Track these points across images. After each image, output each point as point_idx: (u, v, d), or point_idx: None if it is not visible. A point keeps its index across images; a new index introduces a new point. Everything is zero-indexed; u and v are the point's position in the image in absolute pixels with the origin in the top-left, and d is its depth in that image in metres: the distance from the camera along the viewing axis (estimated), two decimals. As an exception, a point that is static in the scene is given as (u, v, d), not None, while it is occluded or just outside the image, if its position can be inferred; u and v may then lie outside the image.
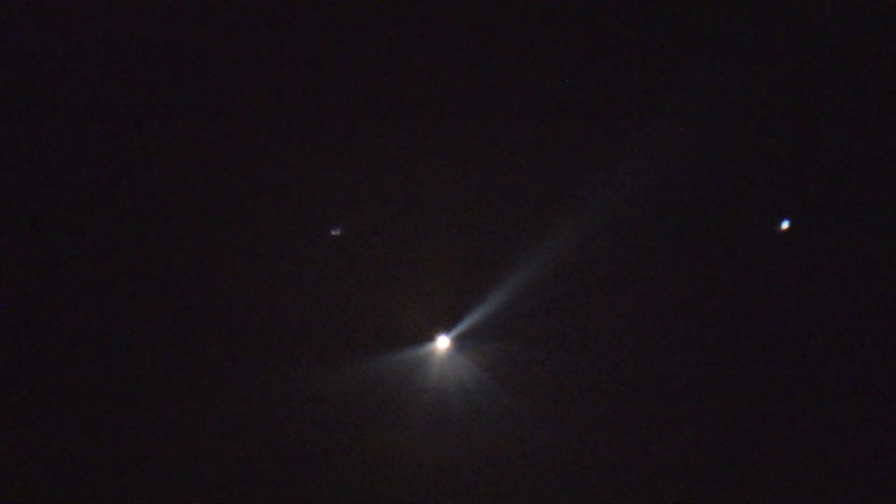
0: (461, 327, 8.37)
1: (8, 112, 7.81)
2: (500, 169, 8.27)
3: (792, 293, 8.43)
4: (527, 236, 8.29)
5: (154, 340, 8.20)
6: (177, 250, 8.10)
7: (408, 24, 7.92)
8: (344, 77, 8.04)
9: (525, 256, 8.28)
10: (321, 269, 8.24)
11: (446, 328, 8.40)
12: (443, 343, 8.41)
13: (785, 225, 8.26)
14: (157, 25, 7.80)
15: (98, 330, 8.09)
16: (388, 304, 8.33)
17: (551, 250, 8.27)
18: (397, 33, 7.93)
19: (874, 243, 8.30)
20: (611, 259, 8.40)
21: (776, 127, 8.23)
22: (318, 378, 8.23)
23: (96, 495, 7.95)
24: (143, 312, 8.14)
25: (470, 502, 8.27)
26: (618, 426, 8.41)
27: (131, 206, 8.00)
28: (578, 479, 8.31)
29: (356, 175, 8.18)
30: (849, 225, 8.31)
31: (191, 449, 8.13)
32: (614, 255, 8.39)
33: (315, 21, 7.89)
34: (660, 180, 8.19)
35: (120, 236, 8.04)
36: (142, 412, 8.07)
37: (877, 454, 8.26)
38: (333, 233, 8.16)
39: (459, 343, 8.41)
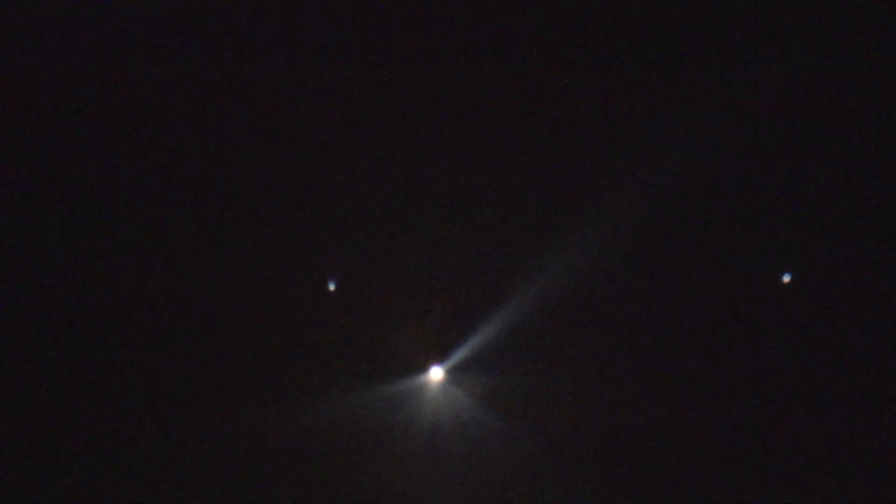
0: (455, 358, 8.29)
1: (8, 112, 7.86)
2: (492, 201, 8.23)
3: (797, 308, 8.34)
4: (521, 267, 8.23)
5: (143, 373, 8.17)
6: (158, 276, 8.09)
7: (412, 25, 7.90)
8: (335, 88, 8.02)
9: (519, 287, 8.21)
10: (313, 299, 8.19)
11: (440, 359, 8.32)
12: (436, 374, 8.33)
13: (786, 279, 8.21)
14: (156, 25, 7.83)
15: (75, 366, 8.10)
16: (382, 335, 8.27)
17: (546, 281, 8.20)
18: (400, 33, 7.90)
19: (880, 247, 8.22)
20: (605, 290, 8.33)
21: (787, 132, 8.15)
22: (309, 409, 8.15)
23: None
24: (115, 337, 8.12)
25: (464, 537, 8.17)
26: (614, 457, 8.29)
27: (121, 222, 8.01)
28: (575, 513, 8.20)
29: (349, 205, 8.16)
30: (855, 227, 8.21)
31: (182, 480, 8.07)
32: (609, 285, 8.31)
33: (315, 21, 7.88)
34: (652, 210, 8.14)
35: (107, 255, 8.05)
36: (129, 445, 8.03)
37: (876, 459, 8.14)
38: (331, 287, 8.15)
39: (453, 374, 8.32)
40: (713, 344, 8.31)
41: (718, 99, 7.97)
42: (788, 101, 8.07)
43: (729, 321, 8.33)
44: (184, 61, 7.85)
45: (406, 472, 8.21)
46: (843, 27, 7.94)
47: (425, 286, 8.26)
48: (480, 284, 8.28)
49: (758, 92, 7.98)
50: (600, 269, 8.21)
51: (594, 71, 8.04)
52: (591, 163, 8.14)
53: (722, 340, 8.28)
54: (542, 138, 8.13)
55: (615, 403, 8.31)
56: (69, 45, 7.82)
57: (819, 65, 7.98)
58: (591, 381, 8.32)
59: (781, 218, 8.25)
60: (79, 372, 8.07)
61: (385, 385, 8.25)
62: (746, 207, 8.26)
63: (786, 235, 8.27)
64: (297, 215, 8.16)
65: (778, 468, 8.18)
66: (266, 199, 8.13)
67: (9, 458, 7.93)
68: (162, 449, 8.09)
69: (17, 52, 7.81)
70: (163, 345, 8.15)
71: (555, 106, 8.14)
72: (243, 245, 8.17)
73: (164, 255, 8.12)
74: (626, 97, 8.09)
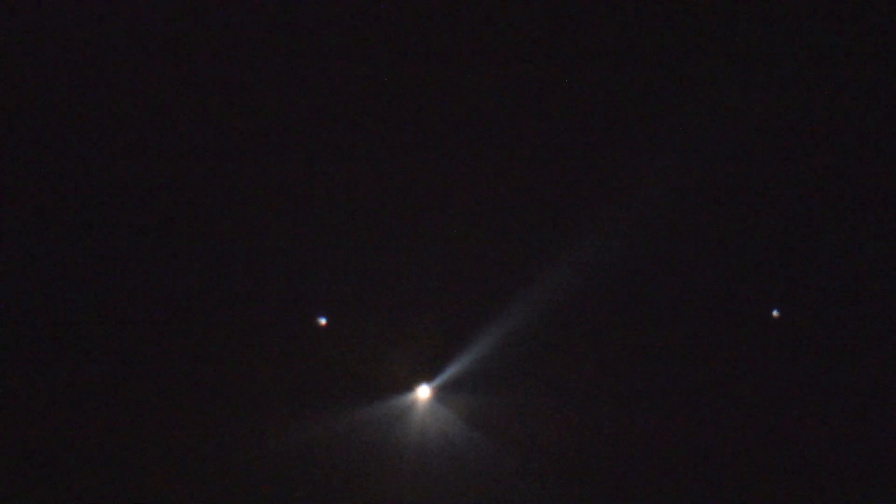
0: (443, 377, 8.32)
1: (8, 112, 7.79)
2: (484, 216, 8.34)
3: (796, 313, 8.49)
4: (508, 285, 8.33)
5: (134, 389, 8.04)
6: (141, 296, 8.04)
7: (413, 26, 7.98)
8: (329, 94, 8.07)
9: (506, 306, 8.31)
10: (300, 318, 8.18)
11: (428, 377, 8.34)
12: (424, 392, 8.34)
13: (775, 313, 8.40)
14: (156, 25, 7.84)
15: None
16: (369, 354, 8.27)
17: (532, 301, 8.31)
18: (401, 34, 7.97)
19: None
20: (594, 308, 8.44)
21: (790, 134, 8.34)
22: (297, 428, 8.07)
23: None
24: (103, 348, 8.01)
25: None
26: (601, 475, 8.32)
27: (118, 227, 7.95)
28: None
29: (338, 227, 8.21)
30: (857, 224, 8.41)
31: (164, 493, 7.89)
32: (597, 304, 8.43)
33: (315, 21, 7.94)
34: (649, 224, 8.27)
35: (104, 262, 7.97)
36: (128, 462, 7.87)
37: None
38: (321, 321, 8.19)
39: (441, 392, 8.34)
40: (704, 362, 8.43)
41: (719, 100, 8.09)
42: (788, 102, 8.24)
43: (720, 349, 8.48)
44: (183, 61, 7.88)
45: (394, 489, 8.14)
46: (842, 27, 8.18)
47: (413, 305, 8.31)
48: (468, 303, 8.36)
49: (759, 93, 8.13)
50: (587, 288, 8.33)
51: (593, 72, 8.18)
52: (579, 175, 8.29)
53: (713, 366, 8.40)
54: (531, 154, 8.28)
55: (602, 422, 8.37)
56: (69, 45, 7.82)
57: (818, 65, 8.20)
58: (578, 399, 8.39)
59: (780, 218, 8.45)
60: (71, 383, 7.92)
61: (373, 403, 8.23)
62: (746, 209, 8.43)
63: (785, 234, 8.47)
64: (285, 236, 8.18)
65: (773, 472, 8.27)
66: (256, 218, 8.15)
67: (9, 459, 7.69)
68: (153, 465, 7.91)
69: (17, 52, 7.79)
70: (147, 364, 8.05)
71: (548, 111, 8.27)
72: (233, 267, 8.14)
73: (155, 277, 8.06)
74: (625, 99, 8.22)
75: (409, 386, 8.33)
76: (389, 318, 8.30)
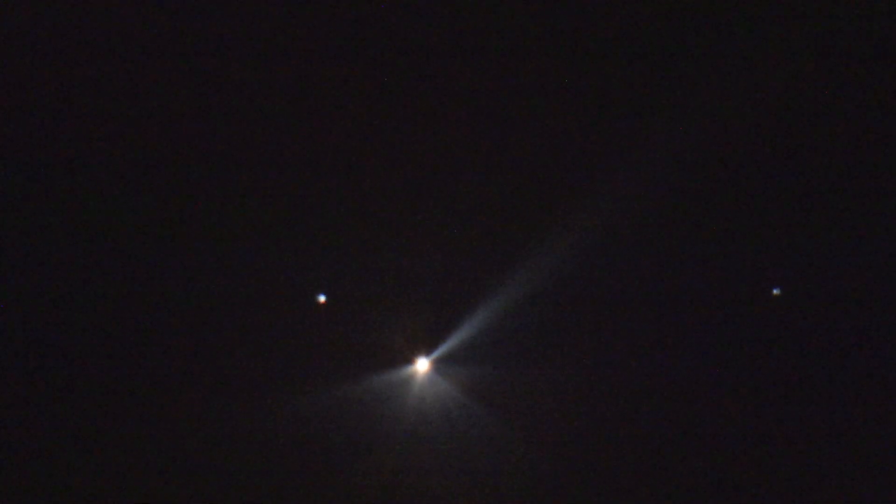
0: (441, 349, 8.35)
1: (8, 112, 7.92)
2: (481, 192, 8.32)
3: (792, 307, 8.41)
4: (507, 258, 8.32)
5: (131, 367, 8.20)
6: (147, 280, 8.16)
7: (408, 24, 7.97)
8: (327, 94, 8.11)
9: (506, 279, 8.30)
10: (299, 291, 8.25)
11: (426, 350, 8.38)
12: (422, 365, 8.38)
13: (775, 291, 8.31)
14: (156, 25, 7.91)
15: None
16: (367, 327, 8.33)
17: (532, 272, 8.29)
18: (396, 33, 7.98)
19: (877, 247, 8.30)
20: (592, 280, 8.40)
21: (780, 132, 8.23)
22: (294, 401, 8.18)
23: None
24: (111, 338, 8.17)
25: (450, 527, 8.17)
26: (600, 448, 8.32)
27: (117, 224, 8.08)
28: (560, 500, 8.19)
29: (338, 198, 8.24)
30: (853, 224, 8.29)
31: (167, 475, 8.07)
32: (596, 276, 8.39)
33: (315, 21, 7.96)
34: (645, 202, 8.22)
35: (105, 254, 8.11)
36: (125, 430, 8.06)
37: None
38: (321, 298, 8.24)
39: (439, 365, 8.37)
40: (702, 335, 8.38)
41: (713, 97, 8.04)
42: (785, 101, 8.15)
43: (721, 315, 8.41)
44: (183, 61, 7.95)
45: (393, 462, 8.23)
46: (841, 27, 8.04)
47: (411, 278, 8.33)
48: (466, 276, 8.36)
49: (754, 91, 8.06)
50: (587, 260, 8.29)
51: (589, 69, 8.13)
52: (584, 155, 8.24)
53: (710, 333, 8.35)
54: (533, 130, 8.23)
55: (602, 393, 8.36)
56: (69, 45, 7.91)
57: (817, 65, 8.08)
58: (577, 371, 8.38)
59: (778, 216, 8.35)
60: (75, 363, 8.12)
61: (371, 377, 8.29)
62: (742, 204, 8.35)
63: (783, 234, 8.37)
64: (284, 213, 8.24)
65: (774, 469, 8.23)
66: (255, 198, 8.20)
67: (9, 458, 7.93)
68: (148, 443, 8.09)
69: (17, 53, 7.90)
70: (150, 342, 8.19)
71: (548, 102, 8.23)
72: (231, 244, 8.22)
73: (154, 253, 8.17)
74: (622, 94, 8.17)
75: (408, 359, 8.37)
76: (387, 291, 8.34)
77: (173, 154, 8.03)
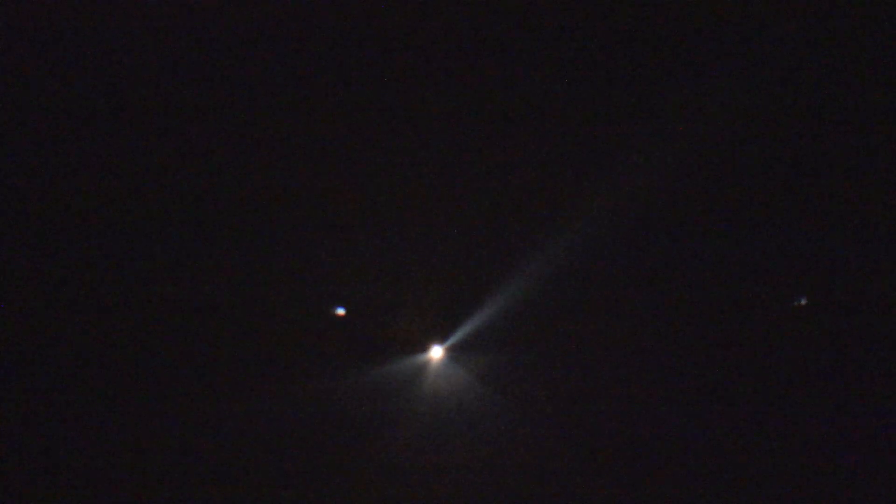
0: (455, 337, 8.46)
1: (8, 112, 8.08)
2: (493, 179, 8.36)
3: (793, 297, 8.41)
4: (520, 246, 8.37)
5: (146, 352, 8.40)
6: (169, 263, 8.33)
7: (408, 25, 8.03)
8: (338, 83, 8.16)
9: (518, 266, 8.37)
10: (315, 279, 8.41)
11: (440, 338, 8.50)
12: (436, 353, 8.51)
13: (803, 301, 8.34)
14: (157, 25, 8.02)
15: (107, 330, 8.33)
16: (382, 315, 8.46)
17: (545, 260, 8.34)
18: (398, 34, 8.03)
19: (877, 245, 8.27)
20: (605, 268, 8.44)
21: (780, 132, 8.22)
22: (310, 389, 8.35)
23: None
24: (137, 318, 8.37)
25: (465, 511, 8.32)
26: (613, 434, 8.40)
27: (134, 208, 8.24)
28: (573, 488, 8.29)
29: (350, 186, 8.33)
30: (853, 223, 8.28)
31: (184, 458, 8.29)
32: (608, 264, 8.42)
33: (315, 21, 8.04)
34: (657, 187, 8.19)
35: (124, 238, 8.29)
36: (137, 416, 8.28)
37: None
38: (339, 311, 8.40)
39: (453, 353, 8.50)
40: (714, 323, 8.41)
41: (713, 98, 8.02)
42: (784, 101, 8.12)
43: (730, 302, 8.44)
44: (184, 61, 8.06)
45: (407, 449, 8.38)
46: (840, 27, 8.00)
47: (425, 267, 8.44)
48: (480, 265, 8.44)
49: (753, 91, 8.03)
50: (600, 248, 8.33)
51: (592, 68, 8.16)
52: (597, 145, 8.24)
53: (723, 299, 8.38)
54: (549, 121, 8.25)
55: (614, 380, 8.43)
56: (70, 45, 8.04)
57: (815, 65, 8.07)
58: (589, 358, 8.45)
59: (777, 215, 8.36)
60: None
61: (386, 364, 8.45)
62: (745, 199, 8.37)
63: (781, 233, 8.38)
64: (298, 202, 8.34)
65: (773, 467, 8.26)
66: (270, 190, 8.30)
67: (8, 458, 8.19)
68: (171, 428, 8.32)
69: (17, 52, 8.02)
70: (166, 322, 8.39)
71: (555, 100, 8.27)
72: (248, 232, 8.35)
73: (172, 242, 8.34)
74: (628, 92, 8.19)
75: (422, 347, 8.51)
76: (402, 280, 8.46)
77: (184, 153, 8.17)
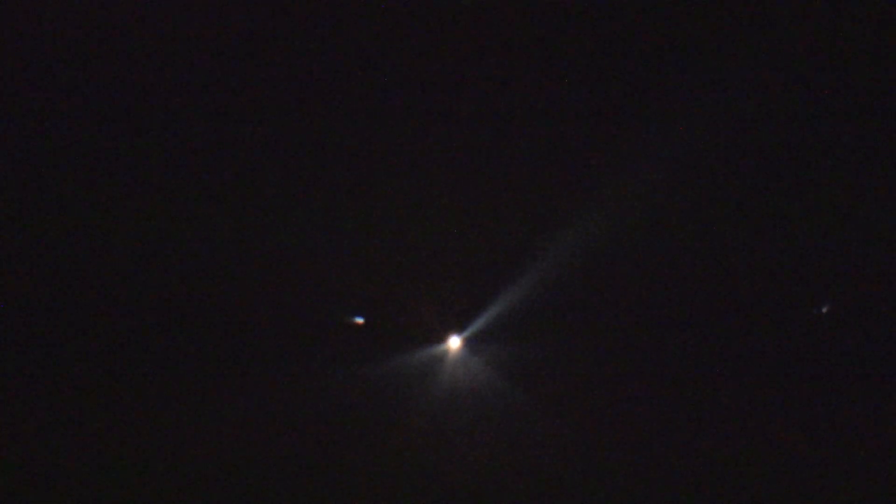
0: (473, 328, 8.43)
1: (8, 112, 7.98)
2: (511, 170, 8.34)
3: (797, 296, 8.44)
4: (539, 237, 8.35)
5: (156, 344, 8.33)
6: (182, 251, 8.25)
7: (412, 25, 8.01)
8: (372, 72, 8.11)
9: (536, 257, 8.34)
10: (333, 269, 8.34)
11: (458, 329, 8.46)
12: (454, 343, 8.47)
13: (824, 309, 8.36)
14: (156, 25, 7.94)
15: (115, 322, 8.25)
16: (400, 306, 8.42)
17: (563, 251, 8.32)
18: (403, 34, 8.02)
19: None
20: (623, 259, 8.43)
21: (783, 129, 8.25)
22: (328, 379, 8.30)
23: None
24: (148, 311, 8.28)
25: (480, 503, 8.27)
26: (630, 426, 8.39)
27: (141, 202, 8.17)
28: (590, 478, 8.28)
29: (368, 178, 8.29)
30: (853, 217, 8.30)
31: (201, 448, 8.22)
32: (627, 255, 8.41)
33: (314, 21, 8.00)
34: (674, 177, 8.21)
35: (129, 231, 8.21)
36: (145, 410, 8.22)
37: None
38: (357, 320, 8.35)
39: (471, 344, 8.46)
40: (729, 303, 8.42)
41: (715, 97, 8.05)
42: (783, 100, 8.15)
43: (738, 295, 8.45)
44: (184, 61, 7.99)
45: (424, 439, 8.34)
46: (839, 26, 8.03)
47: (443, 258, 8.40)
48: (498, 256, 8.41)
49: (754, 90, 8.07)
50: (616, 239, 8.31)
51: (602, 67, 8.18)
52: (608, 135, 8.23)
53: (737, 291, 8.39)
54: (564, 116, 8.24)
55: (631, 371, 8.42)
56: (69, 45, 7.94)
57: (814, 64, 8.08)
58: (607, 349, 8.43)
59: (777, 214, 8.37)
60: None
61: (404, 355, 8.40)
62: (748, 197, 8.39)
63: (781, 232, 8.39)
64: (319, 193, 8.30)
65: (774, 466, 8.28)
66: (289, 182, 8.26)
67: (9, 458, 8.10)
68: (182, 421, 8.25)
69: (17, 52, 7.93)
70: (179, 311, 8.32)
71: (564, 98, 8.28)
72: (269, 221, 8.31)
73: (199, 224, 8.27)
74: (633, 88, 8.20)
75: (440, 337, 8.46)
76: (420, 270, 8.41)
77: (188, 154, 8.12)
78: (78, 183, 8.11)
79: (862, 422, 8.28)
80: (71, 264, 8.20)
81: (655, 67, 8.09)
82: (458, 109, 8.18)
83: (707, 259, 8.43)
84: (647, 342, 8.43)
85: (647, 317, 8.48)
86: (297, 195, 8.25)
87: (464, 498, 8.25)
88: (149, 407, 8.22)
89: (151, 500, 8.03)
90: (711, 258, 8.43)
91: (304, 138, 8.14)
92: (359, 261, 8.37)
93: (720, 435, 8.33)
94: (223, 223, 8.24)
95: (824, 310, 8.28)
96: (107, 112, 8.02)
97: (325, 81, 8.04)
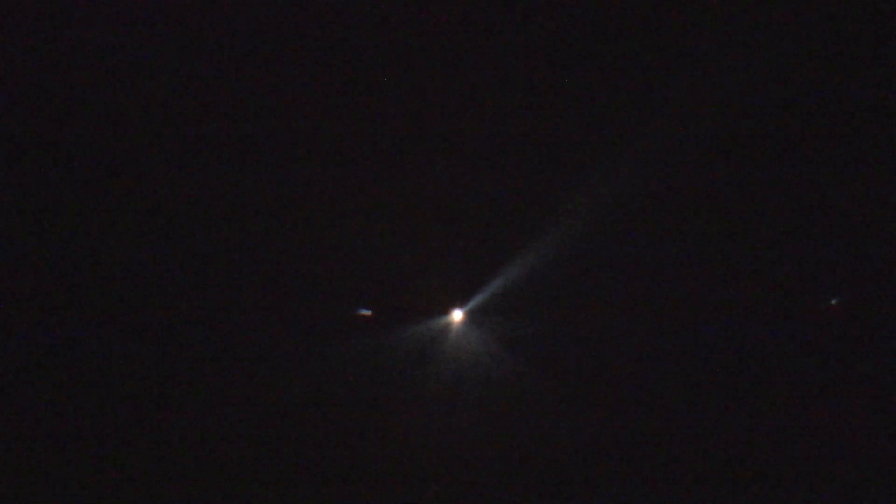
0: (476, 301, 8.39)
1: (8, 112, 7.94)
2: (515, 145, 8.31)
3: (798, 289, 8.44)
4: (543, 210, 8.31)
5: (172, 317, 8.30)
6: (189, 224, 8.20)
7: (407, 23, 8.00)
8: (361, 68, 8.10)
9: (540, 230, 8.30)
10: (334, 241, 8.29)
11: (461, 302, 8.42)
12: (457, 316, 8.43)
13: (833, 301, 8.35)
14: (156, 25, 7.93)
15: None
16: (402, 278, 8.36)
17: (567, 224, 8.28)
18: (397, 32, 8.02)
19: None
20: (630, 233, 8.40)
21: (778, 125, 8.23)
22: (330, 352, 8.26)
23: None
24: (164, 286, 8.24)
25: (484, 477, 8.26)
26: (635, 401, 8.38)
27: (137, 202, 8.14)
28: (594, 453, 8.28)
29: (369, 151, 8.24)
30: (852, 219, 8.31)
31: (209, 424, 8.20)
32: (633, 228, 8.39)
33: (314, 21, 7.99)
34: (677, 159, 8.21)
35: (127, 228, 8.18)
36: (157, 389, 8.20)
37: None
38: (364, 312, 8.29)
39: (474, 317, 8.42)
40: (736, 295, 8.41)
41: (711, 95, 8.03)
42: (782, 100, 8.13)
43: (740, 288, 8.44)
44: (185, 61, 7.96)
45: (427, 413, 8.32)
46: (839, 26, 8.01)
47: (446, 230, 8.35)
48: (500, 228, 8.37)
49: (749, 89, 8.05)
50: (620, 212, 8.28)
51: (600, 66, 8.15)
52: (616, 123, 8.22)
53: (737, 276, 8.39)
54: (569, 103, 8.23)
55: (635, 344, 8.40)
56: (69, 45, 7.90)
57: (812, 64, 8.06)
58: (611, 324, 8.41)
59: (775, 213, 8.35)
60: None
61: (406, 328, 8.35)
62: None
63: (780, 232, 8.36)
64: (323, 166, 8.26)
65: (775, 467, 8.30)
66: (289, 164, 8.22)
67: (8, 458, 8.04)
68: (182, 398, 8.23)
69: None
70: (186, 283, 8.28)
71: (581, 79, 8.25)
72: (269, 198, 8.27)
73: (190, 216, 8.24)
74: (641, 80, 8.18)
75: (443, 310, 8.42)
76: (423, 242, 8.36)
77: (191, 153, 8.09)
78: (78, 183, 8.06)
79: (862, 422, 8.28)
80: (71, 263, 8.15)
81: (656, 60, 8.07)
82: (453, 93, 8.18)
83: (720, 239, 8.43)
84: (658, 315, 8.40)
85: (649, 290, 8.45)
86: (295, 169, 8.20)
87: (466, 473, 8.24)
88: (151, 392, 8.19)
89: (151, 497, 8.02)
90: (723, 240, 8.43)
91: (305, 112, 8.10)
92: (359, 233, 8.31)
93: (730, 416, 8.32)
94: (218, 200, 8.19)
95: (833, 302, 8.27)
96: (107, 112, 7.97)
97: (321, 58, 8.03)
